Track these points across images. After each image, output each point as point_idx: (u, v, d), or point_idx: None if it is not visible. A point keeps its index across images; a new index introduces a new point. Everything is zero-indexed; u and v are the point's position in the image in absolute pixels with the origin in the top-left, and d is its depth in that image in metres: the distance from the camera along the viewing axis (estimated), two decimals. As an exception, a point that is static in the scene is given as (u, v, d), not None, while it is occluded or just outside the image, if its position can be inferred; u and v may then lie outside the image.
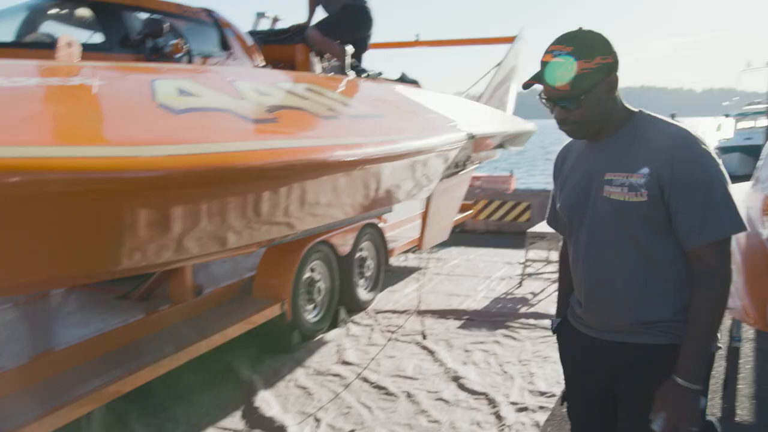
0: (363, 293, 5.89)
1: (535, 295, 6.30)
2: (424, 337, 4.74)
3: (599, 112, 1.74)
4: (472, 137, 3.89)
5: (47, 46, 3.41)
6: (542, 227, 7.06)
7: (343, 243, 5.44)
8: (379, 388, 4.11)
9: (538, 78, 1.73)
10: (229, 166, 1.69)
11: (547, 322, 5.37)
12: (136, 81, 2.27)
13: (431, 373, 4.36)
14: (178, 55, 3.75)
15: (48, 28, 3.67)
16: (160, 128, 1.73)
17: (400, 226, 7.23)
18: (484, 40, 8.38)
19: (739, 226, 1.67)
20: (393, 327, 5.33)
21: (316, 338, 5.05)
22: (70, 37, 2.52)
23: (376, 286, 6.16)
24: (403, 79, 6.02)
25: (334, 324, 5.32)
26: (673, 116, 18.34)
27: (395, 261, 7.30)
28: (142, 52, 3.67)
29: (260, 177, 1.83)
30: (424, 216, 4.39)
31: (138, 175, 1.43)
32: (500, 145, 6.39)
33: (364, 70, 5.19)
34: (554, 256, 6.94)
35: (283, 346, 4.77)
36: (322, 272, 5.23)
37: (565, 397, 2.10)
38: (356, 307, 5.72)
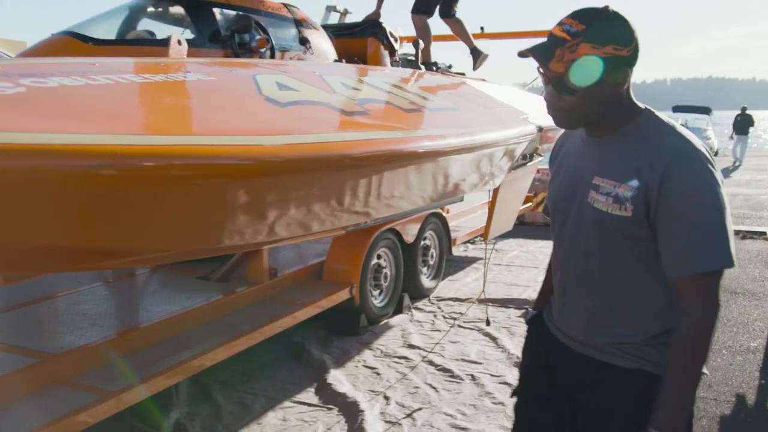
0: (426, 281, 6.05)
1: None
2: (488, 324, 4.87)
3: (596, 107, 1.57)
4: (540, 130, 4.00)
5: (146, 43, 3.69)
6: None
7: (409, 231, 5.60)
8: (445, 370, 4.27)
9: (535, 51, 1.54)
10: (338, 155, 1.86)
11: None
12: (241, 76, 2.48)
13: (494, 358, 4.49)
14: (263, 49, 3.98)
15: (145, 25, 3.94)
16: (273, 119, 1.92)
17: (461, 216, 7.37)
18: (546, 32, 8.34)
19: (727, 261, 1.48)
20: (455, 314, 5.48)
21: (382, 323, 5.24)
22: (179, 36, 2.75)
23: (439, 274, 6.31)
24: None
25: (398, 310, 5.51)
26: (743, 110, 17.73)
27: (456, 251, 7.44)
28: (230, 47, 3.91)
29: (361, 165, 2.01)
30: (491, 206, 4.52)
31: (269, 160, 1.62)
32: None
33: (435, 63, 5.33)
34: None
35: (350, 329, 4.97)
36: (388, 259, 5.42)
37: (516, 391, 1.97)
38: (419, 294, 5.89)
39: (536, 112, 4.59)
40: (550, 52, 1.51)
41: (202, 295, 4.30)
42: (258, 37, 3.93)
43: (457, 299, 5.95)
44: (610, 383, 1.65)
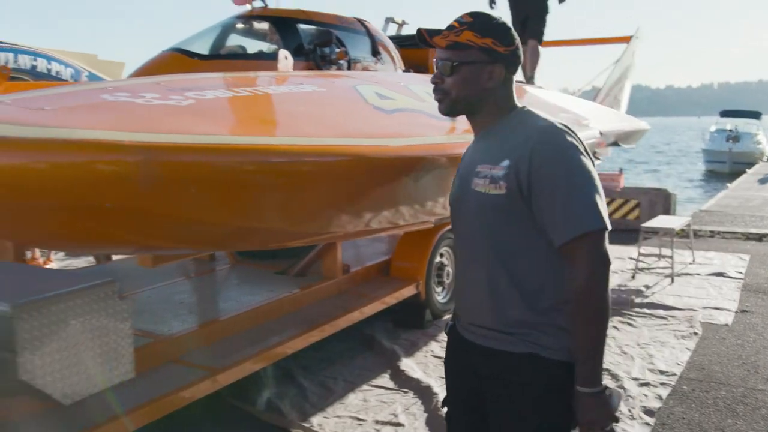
0: (483, 279, 6.32)
1: (648, 287, 6.51)
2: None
3: (470, 91, 1.71)
4: (602, 135, 4.26)
5: (240, 57, 4.07)
6: (656, 223, 7.27)
7: (469, 231, 5.88)
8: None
9: (428, 29, 1.74)
10: (448, 155, 2.18)
11: (663, 312, 5.63)
12: (344, 87, 2.82)
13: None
14: (341, 61, 4.33)
15: (236, 41, 4.33)
16: (387, 125, 2.25)
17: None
18: (601, 39, 8.58)
19: (601, 222, 1.57)
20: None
21: (444, 317, 5.53)
22: (286, 52, 3.10)
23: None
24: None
25: (458, 306, 5.78)
26: None
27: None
28: (312, 59, 4.27)
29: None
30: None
31: (396, 158, 1.94)
32: (614, 143, 6.67)
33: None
34: (666, 251, 7.11)
35: (416, 323, 5.28)
36: (449, 258, 5.71)
37: (444, 401, 1.98)
38: (477, 291, 6.16)
39: (593, 117, 4.85)
40: (438, 31, 1.73)
41: (282, 288, 4.66)
42: (337, 50, 4.28)
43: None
44: (502, 371, 1.69)
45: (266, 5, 4.46)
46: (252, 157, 1.66)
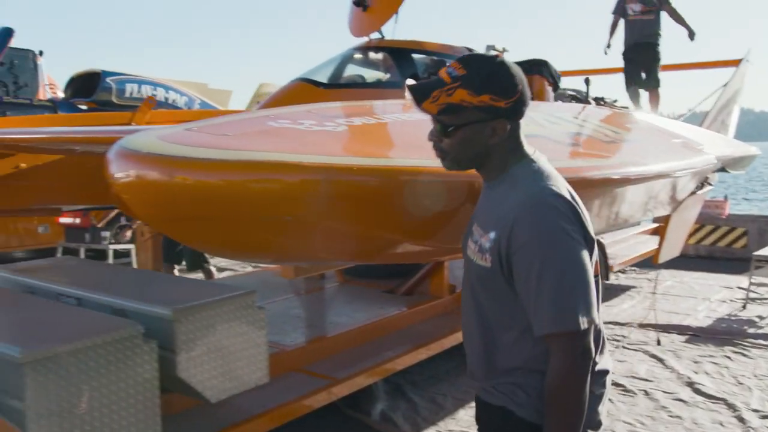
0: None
1: (762, 318, 6.29)
2: (659, 343, 5.06)
3: (472, 150, 1.56)
4: (717, 161, 4.22)
5: (360, 86, 4.34)
6: (768, 251, 7.02)
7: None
8: (616, 384, 4.52)
9: (415, 88, 1.58)
10: (579, 178, 2.29)
11: (779, 344, 5.43)
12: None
13: (664, 377, 4.68)
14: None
15: (355, 71, 4.61)
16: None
17: (617, 244, 7.53)
18: (708, 63, 8.40)
19: (576, 324, 1.42)
20: (618, 336, 5.68)
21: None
22: (411, 81, 3.31)
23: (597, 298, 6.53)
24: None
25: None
26: None
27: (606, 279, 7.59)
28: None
29: (596, 187, 2.43)
30: (663, 231, 4.75)
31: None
32: (722, 169, 6.51)
33: (601, 99, 5.67)
34: (779, 281, 6.84)
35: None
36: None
37: None
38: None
39: (706, 143, 4.80)
40: (427, 92, 1.52)
41: (390, 307, 4.84)
42: (451, 78, 4.47)
43: (616, 323, 6.14)
44: (484, 422, 1.71)
45: (383, 36, 4.72)
46: (414, 177, 1.85)
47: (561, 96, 5.74)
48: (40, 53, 13.16)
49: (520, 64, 6.50)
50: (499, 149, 1.57)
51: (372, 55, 4.68)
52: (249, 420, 3.20)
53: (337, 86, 4.21)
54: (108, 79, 10.09)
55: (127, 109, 9.77)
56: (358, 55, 4.67)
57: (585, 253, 1.47)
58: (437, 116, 1.54)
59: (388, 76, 4.50)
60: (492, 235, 1.52)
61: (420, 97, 1.54)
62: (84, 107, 10.23)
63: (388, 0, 4.55)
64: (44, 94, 13.14)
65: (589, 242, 1.50)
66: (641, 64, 7.49)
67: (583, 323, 1.42)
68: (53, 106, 10.08)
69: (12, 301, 2.97)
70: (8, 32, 9.67)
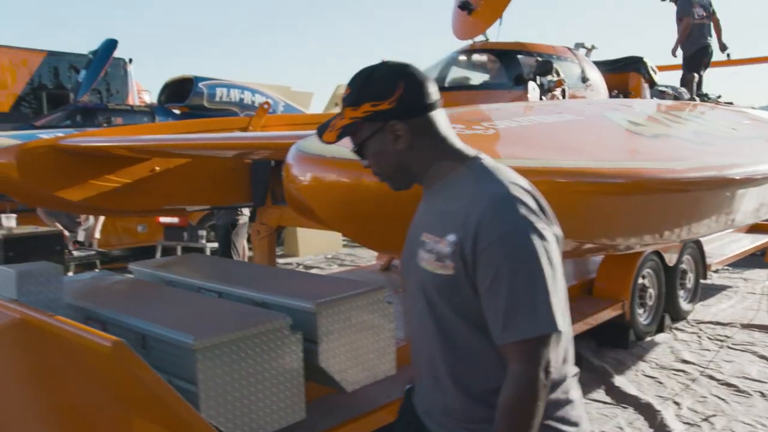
0: (683, 303, 6.22)
1: None
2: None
3: (390, 163, 1.50)
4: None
5: (466, 88, 4.45)
6: None
7: (671, 254, 5.84)
8: (728, 385, 4.48)
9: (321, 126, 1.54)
10: (724, 176, 2.36)
11: None
12: (594, 114, 3.07)
13: (777, 378, 4.60)
14: (558, 90, 4.57)
15: (459, 73, 4.72)
16: (659, 149, 2.47)
17: (712, 242, 7.38)
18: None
19: (543, 327, 1.32)
20: (720, 336, 5.60)
21: (647, 339, 5.53)
22: (534, 84, 3.41)
23: (694, 298, 6.44)
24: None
25: (659, 329, 5.75)
26: None
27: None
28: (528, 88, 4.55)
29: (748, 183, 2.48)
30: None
31: (691, 180, 2.17)
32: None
33: (705, 95, 5.61)
34: None
35: (620, 343, 5.33)
36: (651, 280, 5.70)
37: None
38: (677, 315, 6.08)
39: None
40: (327, 124, 1.52)
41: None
42: (556, 78, 4.53)
43: (718, 323, 6.04)
44: None
45: (487, 39, 4.83)
46: (577, 177, 1.96)
47: (662, 93, 5.70)
48: (130, 61, 13.86)
49: (614, 61, 6.49)
50: (419, 154, 1.50)
51: (477, 57, 4.79)
52: (378, 409, 3.36)
53: (446, 89, 4.34)
54: (200, 84, 10.52)
55: (218, 113, 10.25)
56: (462, 58, 4.79)
57: (555, 253, 1.38)
58: (350, 142, 1.52)
59: (494, 77, 4.60)
60: (451, 237, 1.40)
61: (321, 131, 1.53)
62: (177, 112, 10.72)
63: (493, 4, 4.65)
64: (133, 99, 13.82)
65: (557, 239, 1.43)
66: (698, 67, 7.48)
67: (552, 325, 1.34)
68: (151, 111, 10.61)
69: (169, 294, 3.22)
70: (112, 44, 10.25)
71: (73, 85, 12.70)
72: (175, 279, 3.60)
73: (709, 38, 7.59)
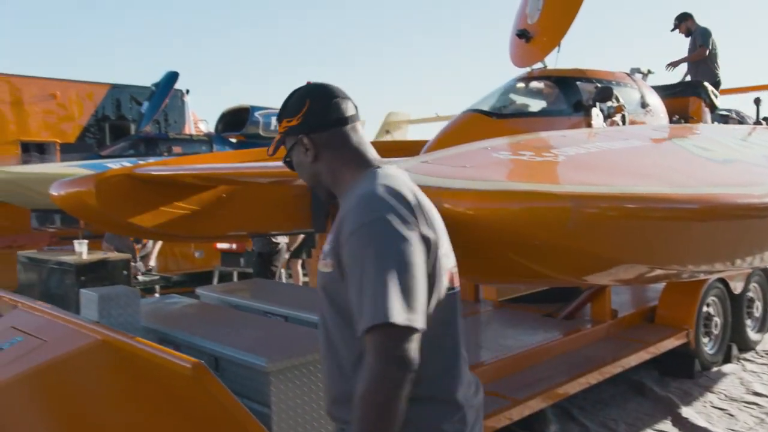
0: (751, 333, 6.03)
1: None
2: None
3: (306, 174, 1.66)
4: None
5: (528, 115, 4.47)
6: None
7: (737, 282, 5.69)
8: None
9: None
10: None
11: None
12: (660, 139, 3.06)
13: None
14: (618, 116, 4.55)
15: (519, 100, 4.76)
16: (734, 174, 2.44)
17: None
18: None
19: (384, 316, 1.30)
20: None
21: (713, 369, 5.37)
22: (597, 110, 3.42)
23: (763, 327, 6.23)
24: None
25: (726, 359, 5.58)
26: None
27: None
28: (589, 114, 4.54)
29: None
30: None
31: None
32: None
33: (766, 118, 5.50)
34: None
35: (685, 372, 5.19)
36: (717, 308, 5.55)
37: None
38: (745, 345, 5.89)
39: None
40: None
41: (554, 331, 4.88)
42: (616, 104, 4.52)
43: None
44: None
45: (546, 66, 4.86)
46: (650, 203, 1.96)
47: (724, 117, 5.61)
48: (187, 92, 14.33)
49: (673, 86, 6.42)
50: (326, 165, 1.61)
51: (535, 84, 4.82)
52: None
53: (507, 116, 4.38)
54: (256, 114, 10.82)
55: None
56: (521, 85, 4.83)
57: (413, 250, 1.38)
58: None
59: (553, 104, 4.62)
60: (330, 236, 1.51)
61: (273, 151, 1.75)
62: (234, 140, 11.02)
63: (551, 32, 4.69)
64: (190, 129, 14.25)
65: (426, 242, 1.43)
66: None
67: (401, 320, 1.31)
68: (209, 140, 10.94)
69: (237, 318, 3.31)
70: (174, 76, 10.64)
71: (135, 116, 13.21)
72: (242, 303, 3.70)
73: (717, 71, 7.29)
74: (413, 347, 1.33)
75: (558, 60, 4.80)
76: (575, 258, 2.00)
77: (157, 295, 7.74)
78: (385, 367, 1.32)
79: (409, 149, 5.52)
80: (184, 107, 14.39)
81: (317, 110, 1.60)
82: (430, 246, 1.44)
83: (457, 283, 1.56)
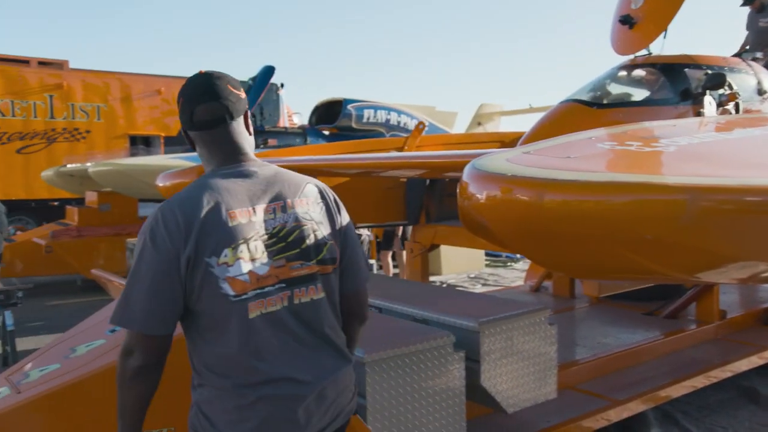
0: None
1: None
2: None
3: None
4: None
5: (630, 105, 4.28)
6: None
7: None
8: None
9: None
10: None
11: None
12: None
13: None
14: (731, 104, 4.27)
15: (620, 89, 4.56)
16: None
17: None
18: None
19: (115, 319, 1.57)
20: None
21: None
22: (710, 98, 3.23)
23: None
24: None
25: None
26: None
27: None
28: (698, 103, 4.29)
29: None
30: None
31: None
32: None
33: None
34: None
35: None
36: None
37: None
38: None
39: None
40: None
41: (655, 330, 4.66)
42: (728, 92, 4.24)
43: None
44: None
45: (650, 53, 4.63)
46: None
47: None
48: (281, 86, 14.69)
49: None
50: (202, 162, 1.74)
51: (639, 72, 4.60)
52: (536, 434, 3.28)
53: (607, 106, 4.20)
54: (349, 106, 10.94)
55: (365, 134, 10.58)
56: (622, 73, 4.62)
57: (158, 260, 1.53)
58: None
59: (657, 92, 4.39)
60: None
61: None
62: (327, 133, 11.21)
63: (657, 17, 4.45)
64: (284, 122, 14.61)
65: (192, 249, 1.52)
66: None
67: (124, 322, 1.55)
68: (303, 132, 11.18)
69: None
70: (270, 70, 10.91)
71: (233, 110, 13.63)
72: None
73: None
74: (140, 346, 1.55)
75: (664, 47, 4.56)
76: (689, 254, 1.88)
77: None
78: (119, 356, 1.58)
79: (503, 141, 5.42)
80: (279, 101, 14.78)
81: (181, 111, 1.69)
82: (189, 260, 1.53)
83: (242, 290, 1.56)
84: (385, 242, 8.28)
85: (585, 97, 4.24)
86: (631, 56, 4.70)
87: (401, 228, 7.61)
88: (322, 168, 3.97)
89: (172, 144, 12.25)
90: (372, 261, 9.37)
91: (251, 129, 1.75)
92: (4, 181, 11.71)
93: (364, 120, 11.06)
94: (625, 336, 4.53)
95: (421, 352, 2.71)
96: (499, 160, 2.08)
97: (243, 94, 1.70)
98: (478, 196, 1.98)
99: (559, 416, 3.43)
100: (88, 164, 8.68)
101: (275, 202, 1.64)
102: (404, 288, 3.88)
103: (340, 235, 1.76)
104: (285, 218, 1.64)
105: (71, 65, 12.77)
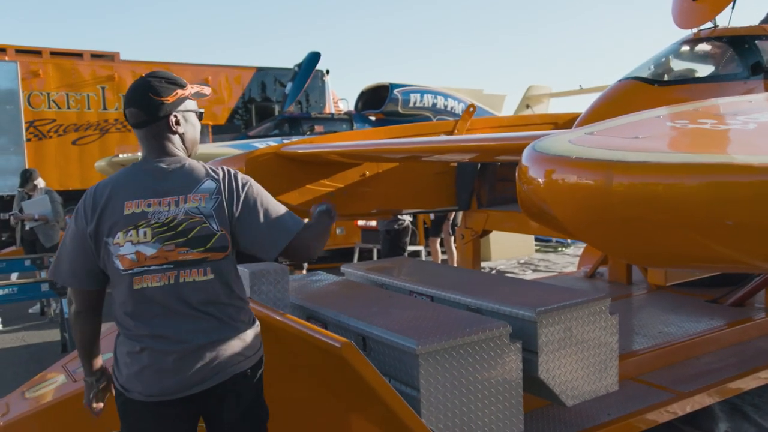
0: None
1: None
2: None
3: None
4: None
5: (695, 81, 4.05)
6: None
7: None
8: None
9: None
10: None
11: None
12: None
13: None
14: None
15: (682, 65, 4.32)
16: None
17: None
18: None
19: (51, 275, 2.09)
20: None
21: None
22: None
23: None
24: None
25: None
26: None
27: None
28: (769, 77, 4.03)
29: None
30: None
31: None
32: None
33: None
34: None
35: None
36: None
37: None
38: None
39: None
40: None
41: (720, 319, 4.44)
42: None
43: None
44: None
45: (716, 26, 4.36)
46: None
47: None
48: (327, 72, 14.64)
49: None
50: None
51: (703, 47, 4.34)
52: (598, 427, 3.13)
53: (670, 83, 3.98)
54: (395, 91, 10.82)
55: (412, 119, 10.45)
56: (685, 48, 4.36)
57: (75, 232, 1.97)
58: None
59: (724, 67, 4.14)
60: None
61: None
62: (373, 118, 11.12)
63: (724, -14, 4.19)
64: (330, 108, 14.57)
65: (93, 228, 1.92)
66: None
67: (55, 277, 2.05)
68: (349, 118, 11.11)
69: (384, 297, 3.26)
70: (316, 57, 10.90)
71: (278, 97, 13.71)
72: (388, 282, 3.65)
73: None
74: (71, 295, 2.05)
75: (732, 19, 4.28)
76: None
77: (304, 271, 7.99)
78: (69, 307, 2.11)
79: (557, 123, 5.22)
80: (324, 87, 14.76)
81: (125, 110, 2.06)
82: (92, 236, 1.93)
83: (129, 266, 1.91)
84: (434, 228, 8.16)
85: (645, 74, 4.03)
86: (695, 30, 4.44)
87: (452, 214, 7.49)
88: (371, 153, 3.87)
89: (220, 132, 12.34)
90: (420, 247, 9.27)
91: (181, 128, 2.02)
92: (61, 172, 12.02)
93: (411, 104, 10.91)
94: (689, 325, 4.32)
95: (476, 343, 2.60)
96: (561, 142, 1.95)
97: (170, 99, 1.96)
98: (540, 180, 1.85)
99: (621, 409, 3.29)
100: (139, 153, 8.80)
101: (170, 197, 1.94)
102: (456, 276, 3.76)
103: (236, 224, 2.00)
104: (176, 211, 1.93)
105: (122, 57, 12.97)
